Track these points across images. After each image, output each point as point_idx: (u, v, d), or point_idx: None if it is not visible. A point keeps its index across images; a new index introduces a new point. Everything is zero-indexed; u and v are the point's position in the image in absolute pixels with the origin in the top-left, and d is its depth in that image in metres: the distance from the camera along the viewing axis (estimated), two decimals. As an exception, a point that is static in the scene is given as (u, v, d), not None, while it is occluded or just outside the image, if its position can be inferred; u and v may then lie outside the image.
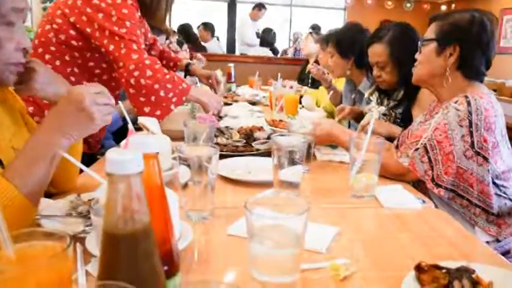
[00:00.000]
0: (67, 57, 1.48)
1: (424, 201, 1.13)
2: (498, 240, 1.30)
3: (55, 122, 0.85)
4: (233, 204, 1.06)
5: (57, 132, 0.84)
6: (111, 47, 1.42)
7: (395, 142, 1.59)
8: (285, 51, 6.46)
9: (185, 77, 2.24)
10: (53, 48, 1.47)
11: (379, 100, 1.98)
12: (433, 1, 9.23)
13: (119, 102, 1.29)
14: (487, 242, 1.26)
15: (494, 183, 1.29)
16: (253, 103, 2.92)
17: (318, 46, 3.40)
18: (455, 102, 1.26)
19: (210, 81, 2.14)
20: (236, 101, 2.91)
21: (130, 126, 0.96)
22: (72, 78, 1.49)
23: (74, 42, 1.46)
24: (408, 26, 1.89)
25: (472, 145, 1.24)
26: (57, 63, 1.48)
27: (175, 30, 5.77)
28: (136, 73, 1.43)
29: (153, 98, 1.46)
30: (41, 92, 1.00)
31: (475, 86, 1.34)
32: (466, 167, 1.25)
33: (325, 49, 3.07)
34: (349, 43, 2.28)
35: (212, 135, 1.33)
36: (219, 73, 3.58)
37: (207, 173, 0.94)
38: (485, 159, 1.25)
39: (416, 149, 1.29)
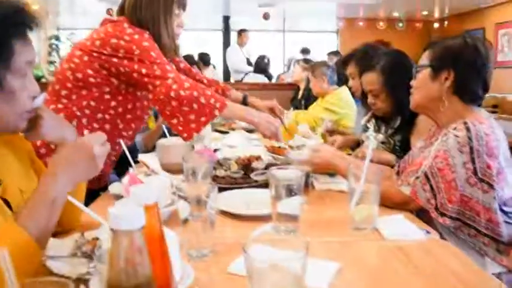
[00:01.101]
0: (84, 92, 1.52)
1: (428, 232, 1.11)
2: (510, 271, 1.25)
3: (65, 170, 0.90)
4: (233, 240, 1.06)
5: (67, 179, 0.90)
6: (144, 70, 1.46)
7: (395, 168, 1.58)
8: (279, 77, 6.56)
9: None
10: (69, 85, 1.52)
11: (376, 127, 1.98)
12: (425, 19, 9.38)
13: (121, 142, 1.32)
14: (499, 274, 1.22)
15: (502, 210, 1.26)
16: (250, 131, 2.94)
17: (306, 73, 3.44)
18: (454, 129, 1.25)
19: (273, 112, 1.99)
20: (233, 129, 2.93)
21: (131, 170, 0.97)
22: (87, 111, 1.52)
23: (91, 79, 1.50)
24: (400, 52, 1.91)
25: (475, 172, 1.22)
26: (74, 97, 1.52)
27: None
28: (175, 86, 1.47)
29: (195, 105, 1.48)
30: (48, 136, 1.05)
31: (474, 111, 1.33)
32: (471, 195, 1.23)
33: (317, 76, 3.13)
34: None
35: (211, 170, 1.33)
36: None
37: (206, 208, 0.95)
38: (490, 186, 1.22)
39: (417, 177, 1.27)
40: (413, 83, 1.43)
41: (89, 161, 0.92)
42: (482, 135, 1.22)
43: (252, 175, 1.55)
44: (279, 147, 2.02)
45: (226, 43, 9.11)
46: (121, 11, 1.62)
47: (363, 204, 1.12)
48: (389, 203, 1.28)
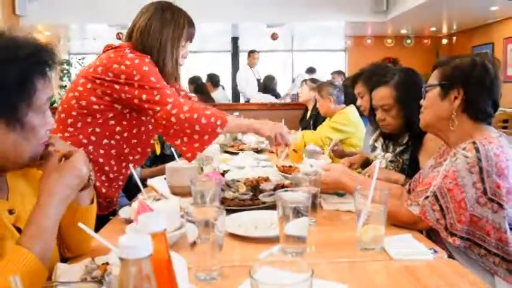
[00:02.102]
0: (88, 119, 1.54)
1: (435, 251, 1.11)
2: None
3: (61, 193, 0.94)
4: (241, 263, 1.07)
5: (63, 205, 0.94)
6: (144, 96, 1.49)
7: (406, 186, 1.58)
8: (287, 95, 6.61)
9: None
10: (74, 113, 1.54)
11: (384, 146, 1.98)
12: (433, 36, 9.36)
13: (130, 166, 1.34)
14: None
15: None
16: (259, 151, 2.96)
17: (314, 93, 3.45)
18: (464, 149, 1.25)
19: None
20: (242, 149, 2.96)
21: (140, 196, 0.99)
22: (93, 138, 1.55)
23: (95, 107, 1.53)
24: (414, 71, 1.89)
25: (485, 192, 1.22)
26: (79, 125, 1.55)
27: (188, 81, 6.07)
28: (174, 111, 1.50)
29: (197, 126, 1.51)
30: None
31: (483, 129, 1.33)
32: (481, 215, 1.23)
33: (324, 96, 3.16)
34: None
35: (219, 193, 1.35)
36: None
37: (214, 230, 0.96)
38: (500, 205, 1.22)
39: (426, 197, 1.27)
40: (422, 102, 1.43)
41: (78, 182, 0.97)
42: (491, 155, 1.22)
43: (260, 196, 1.56)
44: (290, 166, 2.01)
45: (235, 64, 9.24)
46: (129, 35, 1.66)
47: (370, 224, 1.13)
48: (398, 222, 1.28)
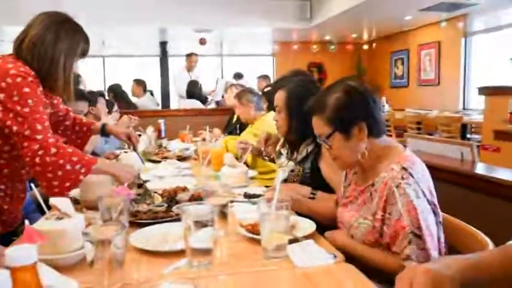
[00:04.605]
0: None
1: (335, 256, 1.16)
2: None
3: None
4: (146, 279, 1.06)
5: None
6: (15, 128, 1.40)
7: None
8: (211, 100, 6.62)
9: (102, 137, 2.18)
10: None
11: (289, 154, 2.03)
12: (355, 42, 9.93)
13: (32, 186, 1.28)
14: None
15: None
16: (183, 158, 2.95)
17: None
18: (402, 178, 1.22)
19: (129, 139, 2.05)
20: (166, 158, 2.93)
21: (26, 222, 0.96)
22: None
23: None
24: (311, 82, 1.99)
25: (434, 212, 1.24)
26: None
27: (107, 90, 5.89)
28: (41, 152, 1.42)
29: (59, 172, 1.44)
30: None
31: (392, 147, 1.34)
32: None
33: (244, 104, 3.22)
34: None
35: (127, 208, 1.33)
36: (149, 130, 3.60)
37: (110, 248, 0.95)
38: (440, 223, 1.26)
39: (409, 242, 1.20)
40: (327, 151, 1.40)
41: None
42: (420, 176, 1.25)
43: (174, 208, 1.57)
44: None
45: (164, 69, 9.09)
46: (19, 45, 1.54)
47: (274, 234, 1.16)
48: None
